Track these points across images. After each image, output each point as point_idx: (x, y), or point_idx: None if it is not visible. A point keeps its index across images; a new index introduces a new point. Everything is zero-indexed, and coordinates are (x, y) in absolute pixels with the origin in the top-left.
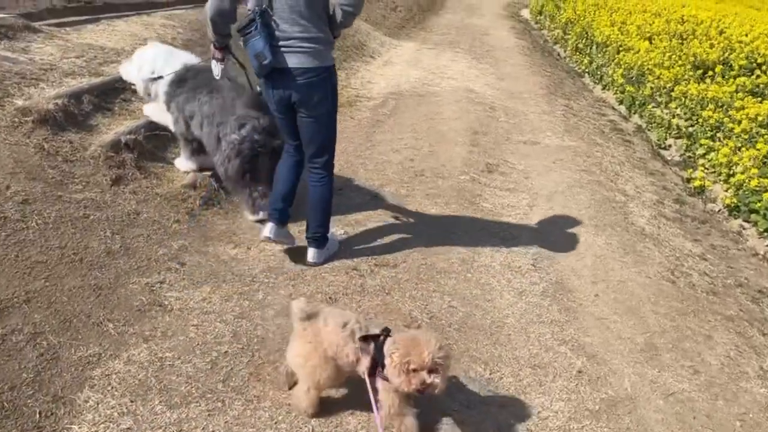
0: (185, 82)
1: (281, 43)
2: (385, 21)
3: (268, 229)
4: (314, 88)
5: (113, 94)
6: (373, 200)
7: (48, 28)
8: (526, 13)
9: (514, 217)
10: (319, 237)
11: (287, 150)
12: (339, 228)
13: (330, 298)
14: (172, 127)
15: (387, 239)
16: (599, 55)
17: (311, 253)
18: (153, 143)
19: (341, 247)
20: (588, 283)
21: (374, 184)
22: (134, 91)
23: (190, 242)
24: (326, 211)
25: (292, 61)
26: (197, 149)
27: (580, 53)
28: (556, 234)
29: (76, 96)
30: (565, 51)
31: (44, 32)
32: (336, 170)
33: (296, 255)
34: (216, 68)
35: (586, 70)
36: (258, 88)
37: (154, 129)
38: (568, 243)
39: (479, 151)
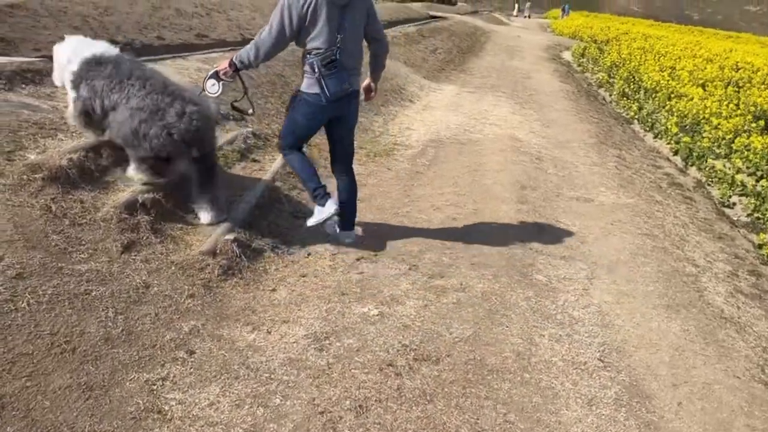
0: (104, 66)
1: (351, 72)
2: (424, 64)
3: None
4: (358, 102)
5: None
6: (411, 271)
7: None
8: (567, 56)
9: (572, 294)
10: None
11: (297, 150)
12: (372, 306)
13: (360, 406)
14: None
15: (428, 323)
16: (649, 102)
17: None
18: (174, 201)
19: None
20: (668, 385)
21: (413, 250)
22: None
23: (203, 323)
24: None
25: (355, 84)
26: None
27: (627, 99)
28: (624, 317)
29: (96, 149)
30: (610, 95)
31: None
32: (371, 231)
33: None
34: (215, 86)
35: (636, 117)
36: (250, 111)
37: (176, 185)
38: (639, 330)
39: (528, 209)
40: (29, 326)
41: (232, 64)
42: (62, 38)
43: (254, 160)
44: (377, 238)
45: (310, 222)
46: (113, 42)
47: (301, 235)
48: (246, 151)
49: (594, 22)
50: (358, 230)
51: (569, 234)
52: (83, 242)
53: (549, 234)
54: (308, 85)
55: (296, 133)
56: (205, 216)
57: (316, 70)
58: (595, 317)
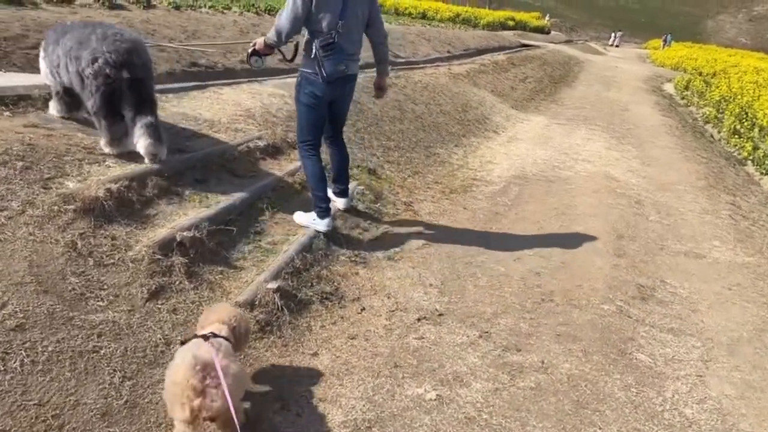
0: (59, 34)
1: (349, 57)
2: (512, 92)
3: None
4: (354, 87)
5: (188, 174)
6: (481, 340)
7: None
8: (669, 88)
9: (683, 382)
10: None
11: (316, 153)
12: (429, 386)
13: None
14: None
15: (497, 416)
16: (765, 141)
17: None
18: (217, 240)
19: None
20: None
21: (485, 311)
22: (212, 170)
23: None
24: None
25: (353, 69)
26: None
27: (739, 137)
28: (751, 419)
29: (141, 178)
30: (719, 132)
31: None
32: (438, 283)
33: None
34: (258, 61)
35: (750, 158)
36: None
37: (222, 221)
38: None
39: (627, 264)
40: (15, 393)
41: (266, 39)
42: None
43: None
44: (444, 292)
45: (298, 218)
46: (194, 65)
47: (358, 284)
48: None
49: (698, 53)
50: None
51: (677, 299)
52: (105, 286)
53: (652, 298)
54: (306, 65)
55: (306, 122)
56: (141, 143)
57: (314, 50)
58: (713, 418)
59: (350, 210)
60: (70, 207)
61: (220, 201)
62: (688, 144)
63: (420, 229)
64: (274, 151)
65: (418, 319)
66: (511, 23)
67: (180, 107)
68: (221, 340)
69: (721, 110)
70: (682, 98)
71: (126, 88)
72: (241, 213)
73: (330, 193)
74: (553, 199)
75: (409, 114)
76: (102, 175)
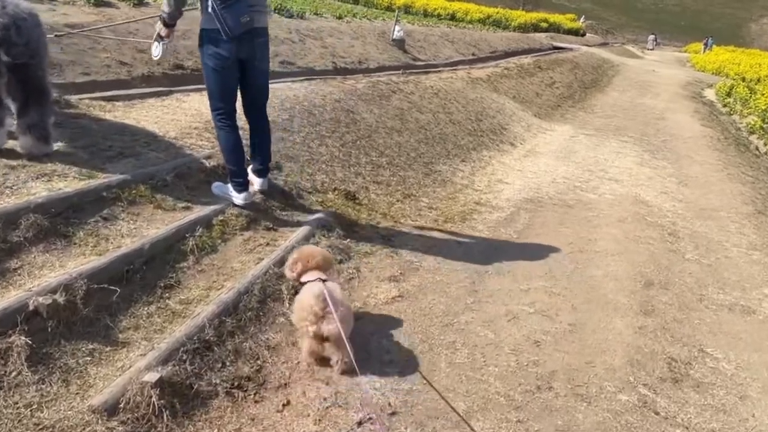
0: None
1: (251, 7)
2: (536, 99)
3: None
4: (267, 43)
5: (90, 208)
6: None
7: (91, 102)
8: (710, 94)
9: None
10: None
11: (230, 122)
12: None
13: None
14: None
15: None
16: None
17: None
18: (99, 303)
19: None
20: None
21: (457, 407)
22: (127, 202)
23: None
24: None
25: (260, 21)
26: None
27: None
28: None
29: (12, 217)
30: (766, 144)
31: (75, 109)
32: (401, 358)
33: None
34: (157, 48)
35: None
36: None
37: (115, 275)
38: None
39: (655, 326)
40: None
41: (161, 19)
42: None
43: (268, 228)
44: (405, 374)
45: (215, 189)
46: (178, 67)
47: (292, 361)
48: (263, 213)
49: (742, 57)
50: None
51: (720, 379)
52: None
53: (687, 379)
54: (206, 21)
55: (215, 87)
56: (22, 143)
57: (210, 2)
58: None
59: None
60: None
61: (123, 245)
62: (731, 159)
63: (395, 272)
64: (224, 172)
65: (359, 423)
66: (544, 25)
67: (124, 117)
68: (334, 282)
69: (767, 120)
70: (724, 105)
71: (8, 73)
72: (151, 259)
73: (249, 172)
74: (569, 231)
75: (411, 124)
76: None
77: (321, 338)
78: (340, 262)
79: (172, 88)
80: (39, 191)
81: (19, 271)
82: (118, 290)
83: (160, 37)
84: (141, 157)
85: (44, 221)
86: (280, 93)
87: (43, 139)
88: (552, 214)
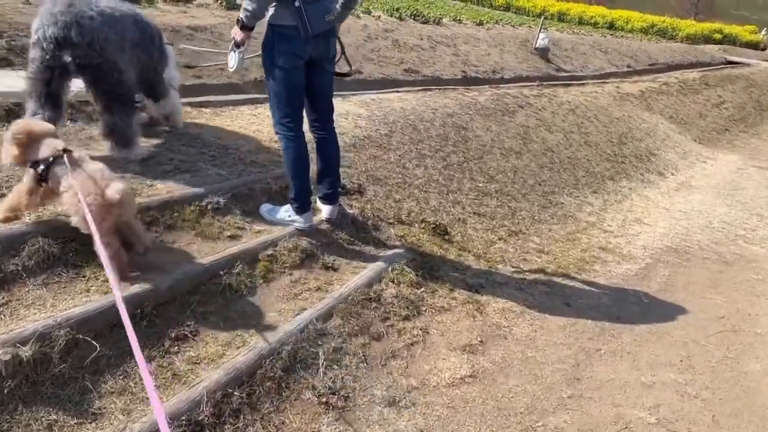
0: None
1: (333, 3)
2: (699, 120)
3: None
4: (336, 43)
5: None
6: None
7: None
8: None
9: None
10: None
11: (298, 132)
12: None
13: None
14: None
15: None
16: None
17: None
18: (83, 353)
19: None
20: None
21: None
22: (164, 228)
23: None
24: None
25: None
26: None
27: None
28: None
29: (16, 241)
30: None
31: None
32: None
33: None
34: (234, 58)
35: None
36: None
37: (115, 320)
38: None
39: None
40: None
41: (238, 21)
42: None
43: (327, 267)
44: None
45: (266, 214)
46: None
47: None
48: (324, 248)
49: None
50: None
51: None
52: None
53: None
54: (282, 16)
55: (284, 92)
56: (106, 146)
57: None
58: None
59: (374, 298)
60: None
61: (137, 282)
62: None
63: (474, 339)
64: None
65: None
66: (717, 37)
67: (204, 126)
68: None
69: None
70: None
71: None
72: (169, 302)
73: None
74: (722, 299)
75: (535, 145)
76: None
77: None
78: (405, 318)
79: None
80: (62, 211)
81: (0, 310)
82: (97, 346)
83: (235, 45)
84: (199, 174)
85: (53, 247)
86: (387, 105)
87: (123, 143)
88: (701, 271)
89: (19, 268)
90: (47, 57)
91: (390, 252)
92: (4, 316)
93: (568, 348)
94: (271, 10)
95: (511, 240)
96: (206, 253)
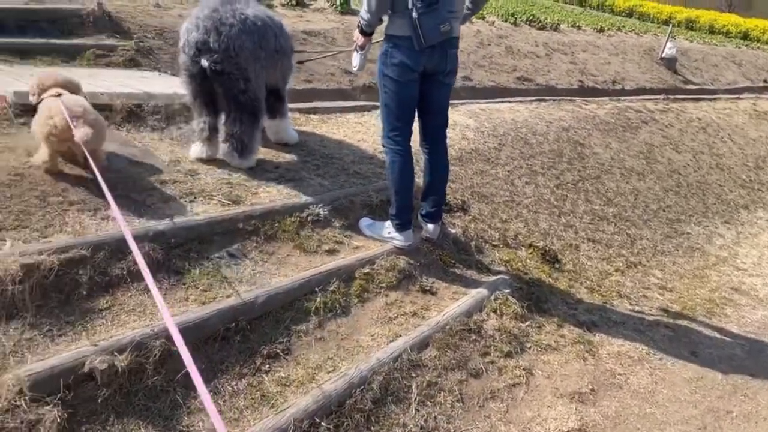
0: None
1: (451, 14)
2: None
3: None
4: (457, 55)
5: (219, 241)
6: None
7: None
8: None
9: None
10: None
11: (405, 146)
12: None
13: None
14: None
15: None
16: None
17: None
18: (176, 365)
19: None
20: None
21: None
22: (264, 238)
23: None
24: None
25: (456, 30)
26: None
27: None
28: None
29: (124, 245)
30: None
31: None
32: None
33: None
34: (357, 57)
35: None
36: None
37: (210, 332)
38: None
39: None
40: None
41: (358, 27)
42: None
43: (424, 290)
44: None
45: (366, 229)
46: None
47: None
48: (423, 269)
49: None
50: None
51: None
52: None
53: None
54: (396, 26)
55: (394, 103)
56: (221, 150)
57: (410, 5)
58: None
59: (474, 329)
60: None
61: (234, 294)
62: None
63: (584, 385)
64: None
65: None
66: None
67: (310, 133)
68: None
69: None
70: None
71: (211, 80)
72: (263, 317)
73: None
74: None
75: (660, 166)
76: (78, 233)
77: (65, 147)
78: (507, 355)
79: (377, 104)
80: (171, 214)
81: (103, 314)
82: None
83: (358, 47)
84: (302, 183)
85: (158, 253)
86: (498, 116)
87: (238, 151)
88: None
89: (125, 272)
90: (189, 62)
91: (493, 278)
92: (106, 321)
93: (694, 407)
94: (386, 19)
95: (629, 272)
96: (303, 267)
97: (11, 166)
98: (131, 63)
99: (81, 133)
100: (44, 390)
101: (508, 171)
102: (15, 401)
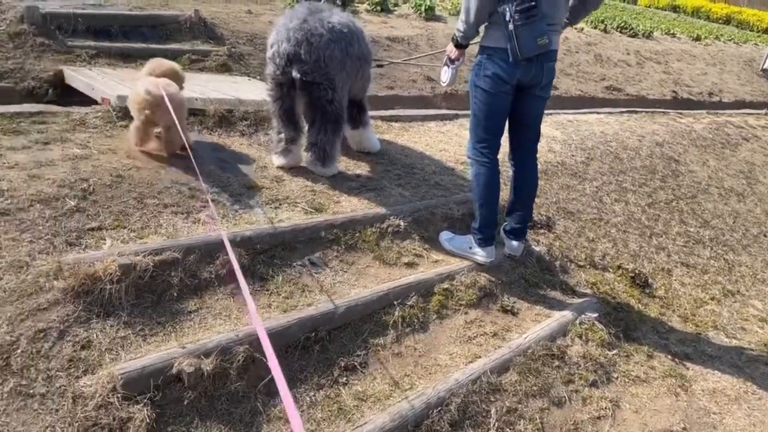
0: None
1: (551, 26)
2: None
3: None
4: (555, 68)
5: (301, 250)
6: None
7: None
8: None
9: None
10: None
11: (492, 158)
12: None
13: None
14: None
15: None
16: None
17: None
18: (257, 372)
19: None
20: None
21: None
22: (345, 248)
23: None
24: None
25: (555, 43)
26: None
27: None
28: None
29: (212, 249)
30: None
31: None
32: None
33: None
34: (447, 73)
35: None
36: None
37: (293, 339)
38: None
39: None
40: None
41: (452, 39)
42: None
43: (505, 310)
44: None
45: (446, 243)
46: None
47: None
48: (504, 287)
49: None
50: None
51: None
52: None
53: None
54: (493, 37)
55: (483, 115)
56: (304, 159)
57: (508, 17)
58: None
59: (558, 355)
60: (58, 284)
61: (314, 303)
62: None
63: (675, 424)
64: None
65: None
66: None
67: (392, 141)
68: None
69: None
70: None
71: (299, 91)
72: (342, 328)
73: (501, 232)
74: None
75: (762, 187)
76: (171, 235)
77: (153, 123)
78: (592, 384)
79: (459, 112)
80: (257, 220)
81: (191, 317)
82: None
83: (450, 61)
84: (384, 193)
85: (244, 258)
86: (585, 127)
87: (321, 160)
88: None
89: (213, 276)
90: (278, 72)
91: (578, 301)
92: (194, 323)
93: None
94: (482, 31)
95: (726, 301)
96: (382, 278)
97: (113, 168)
98: (223, 68)
99: (151, 97)
100: (135, 389)
101: (597, 187)
102: (108, 398)
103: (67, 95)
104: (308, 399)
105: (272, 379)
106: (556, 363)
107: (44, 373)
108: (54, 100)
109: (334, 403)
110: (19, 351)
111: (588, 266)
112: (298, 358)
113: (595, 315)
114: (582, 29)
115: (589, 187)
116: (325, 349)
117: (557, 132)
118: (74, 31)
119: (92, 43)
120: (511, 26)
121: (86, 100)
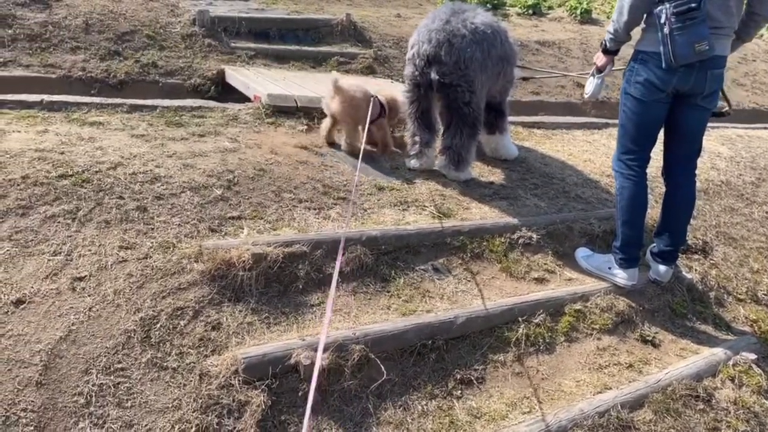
0: None
1: (715, 30)
2: None
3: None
4: (723, 76)
5: (424, 255)
6: None
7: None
8: None
9: None
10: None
11: (639, 171)
12: None
13: None
14: None
15: None
16: None
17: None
18: (370, 373)
19: None
20: None
21: None
22: (462, 261)
23: None
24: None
25: (722, 48)
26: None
27: None
28: None
29: (337, 246)
30: None
31: None
32: None
33: None
34: (592, 83)
35: None
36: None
37: (392, 348)
38: None
39: None
40: None
41: (601, 44)
42: None
43: (645, 340)
44: None
45: (583, 261)
46: None
47: None
48: (646, 315)
49: None
50: None
51: None
52: (131, 400)
53: None
54: (647, 41)
55: (631, 124)
56: (437, 162)
57: (664, 19)
58: None
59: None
60: (197, 267)
61: (434, 309)
62: None
63: None
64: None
65: None
66: None
67: (532, 148)
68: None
69: None
70: None
71: (437, 93)
72: (460, 339)
73: (648, 254)
74: None
75: None
76: (302, 230)
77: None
78: None
79: (609, 121)
80: (384, 221)
81: (313, 310)
82: (394, 366)
83: (597, 70)
84: (517, 202)
85: (368, 258)
86: (759, 144)
87: (454, 164)
88: None
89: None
90: (416, 74)
91: (734, 338)
92: (315, 317)
93: None
94: (643, 36)
95: None
96: (508, 292)
97: (257, 161)
98: (368, 70)
99: (329, 100)
100: (255, 374)
101: (767, 212)
102: (230, 380)
103: (227, 93)
104: (420, 408)
105: (384, 382)
106: (701, 406)
107: (177, 348)
108: (215, 96)
109: (446, 416)
110: (158, 325)
111: (749, 301)
112: (412, 364)
113: (754, 357)
114: (762, 35)
115: (758, 211)
116: (441, 358)
117: (723, 148)
118: (237, 33)
119: (252, 45)
120: (666, 29)
121: (242, 98)
